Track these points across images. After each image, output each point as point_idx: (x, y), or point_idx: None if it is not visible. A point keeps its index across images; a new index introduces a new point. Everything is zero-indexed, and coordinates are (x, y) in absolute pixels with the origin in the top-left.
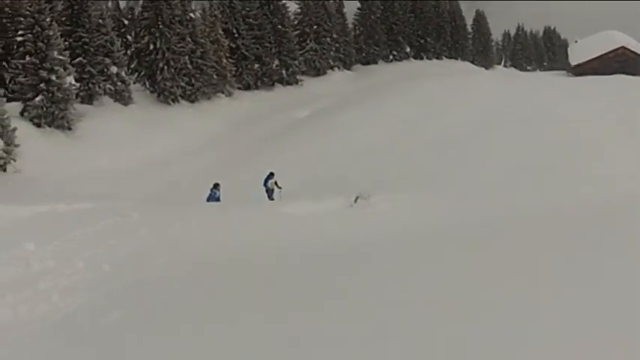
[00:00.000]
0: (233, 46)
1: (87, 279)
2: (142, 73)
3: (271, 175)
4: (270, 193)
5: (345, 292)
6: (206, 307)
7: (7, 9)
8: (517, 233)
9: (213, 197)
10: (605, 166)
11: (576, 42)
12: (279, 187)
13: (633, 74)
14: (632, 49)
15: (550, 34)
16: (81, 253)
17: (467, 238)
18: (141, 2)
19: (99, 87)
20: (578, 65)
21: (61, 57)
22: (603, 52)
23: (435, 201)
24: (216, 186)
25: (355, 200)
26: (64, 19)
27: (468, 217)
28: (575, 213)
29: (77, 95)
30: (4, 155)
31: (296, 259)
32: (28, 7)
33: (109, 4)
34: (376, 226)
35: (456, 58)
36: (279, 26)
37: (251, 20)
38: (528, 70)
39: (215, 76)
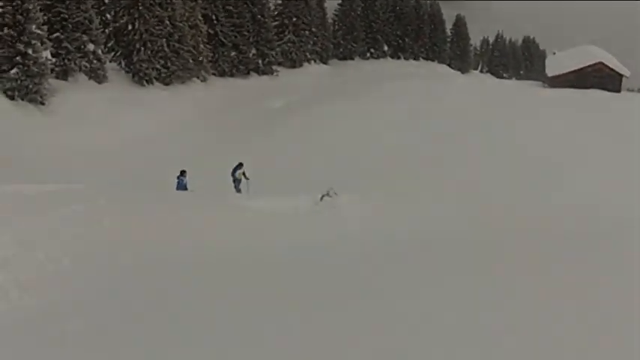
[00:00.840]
0: (211, 32)
1: (47, 274)
2: (119, 53)
3: (240, 165)
4: (237, 183)
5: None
6: (168, 313)
7: None
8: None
9: (180, 185)
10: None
11: (554, 54)
12: (247, 178)
13: (609, 90)
14: (610, 66)
15: (529, 43)
16: (42, 242)
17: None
18: None
19: (75, 63)
20: (555, 77)
21: (38, 31)
22: (581, 65)
23: (399, 204)
24: (182, 173)
25: (321, 198)
26: None
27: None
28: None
29: (52, 70)
30: None
31: (246, 263)
32: None
33: None
34: (338, 228)
35: (433, 60)
36: (259, 16)
37: (231, 8)
38: (504, 78)
39: (191, 61)
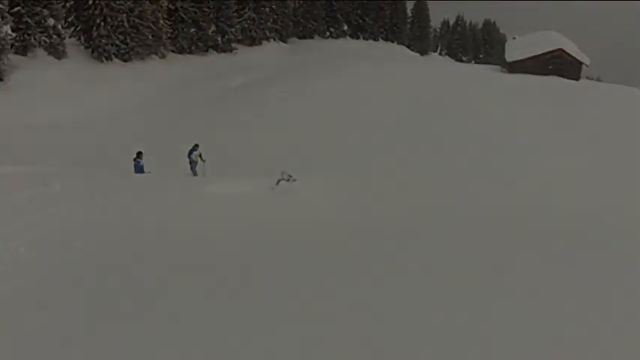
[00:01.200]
0: (172, 7)
1: (2, 263)
2: (79, 28)
3: (196, 146)
4: (193, 165)
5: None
6: (129, 303)
7: None
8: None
9: (138, 167)
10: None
11: (514, 38)
12: (203, 160)
13: (568, 77)
14: (570, 53)
15: (489, 27)
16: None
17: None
18: None
19: (34, 39)
20: (514, 62)
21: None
22: (540, 51)
23: (355, 188)
24: (139, 155)
25: (277, 183)
26: None
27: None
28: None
29: (12, 46)
30: None
31: (199, 248)
32: None
33: None
34: (294, 213)
35: (393, 41)
36: None
37: None
38: (463, 61)
39: (150, 37)
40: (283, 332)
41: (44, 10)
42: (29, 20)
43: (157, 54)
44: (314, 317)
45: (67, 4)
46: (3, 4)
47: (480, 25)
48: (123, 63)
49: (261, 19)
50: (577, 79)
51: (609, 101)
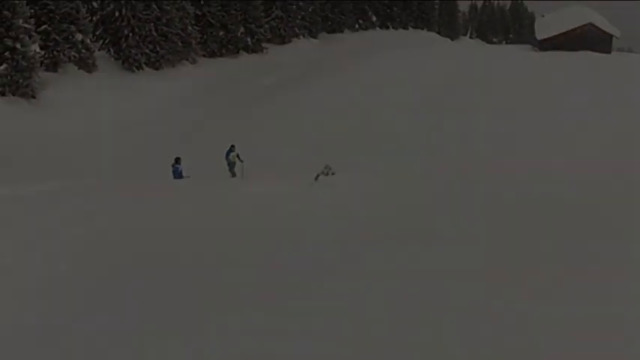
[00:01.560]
0: (199, 13)
1: (46, 278)
2: (107, 40)
3: (232, 147)
4: (231, 166)
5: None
6: (185, 320)
7: None
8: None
9: (177, 173)
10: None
11: (543, 16)
12: (241, 161)
13: (599, 51)
14: (599, 26)
15: (517, 6)
16: (39, 246)
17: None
18: None
19: (63, 54)
20: (545, 40)
21: (26, 25)
22: (570, 27)
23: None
24: (177, 160)
25: (316, 178)
26: None
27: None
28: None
29: (42, 63)
30: None
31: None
32: None
33: None
34: (335, 210)
35: (422, 28)
36: None
37: None
38: (494, 43)
39: (180, 44)
40: None
41: (71, 26)
42: (57, 37)
43: (187, 60)
44: None
45: (94, 18)
46: (29, 23)
47: (508, 6)
48: (154, 71)
49: (289, 16)
50: (609, 52)
51: None
